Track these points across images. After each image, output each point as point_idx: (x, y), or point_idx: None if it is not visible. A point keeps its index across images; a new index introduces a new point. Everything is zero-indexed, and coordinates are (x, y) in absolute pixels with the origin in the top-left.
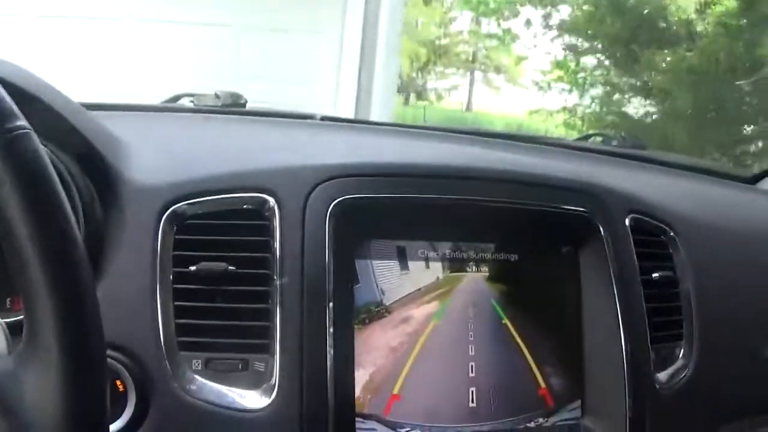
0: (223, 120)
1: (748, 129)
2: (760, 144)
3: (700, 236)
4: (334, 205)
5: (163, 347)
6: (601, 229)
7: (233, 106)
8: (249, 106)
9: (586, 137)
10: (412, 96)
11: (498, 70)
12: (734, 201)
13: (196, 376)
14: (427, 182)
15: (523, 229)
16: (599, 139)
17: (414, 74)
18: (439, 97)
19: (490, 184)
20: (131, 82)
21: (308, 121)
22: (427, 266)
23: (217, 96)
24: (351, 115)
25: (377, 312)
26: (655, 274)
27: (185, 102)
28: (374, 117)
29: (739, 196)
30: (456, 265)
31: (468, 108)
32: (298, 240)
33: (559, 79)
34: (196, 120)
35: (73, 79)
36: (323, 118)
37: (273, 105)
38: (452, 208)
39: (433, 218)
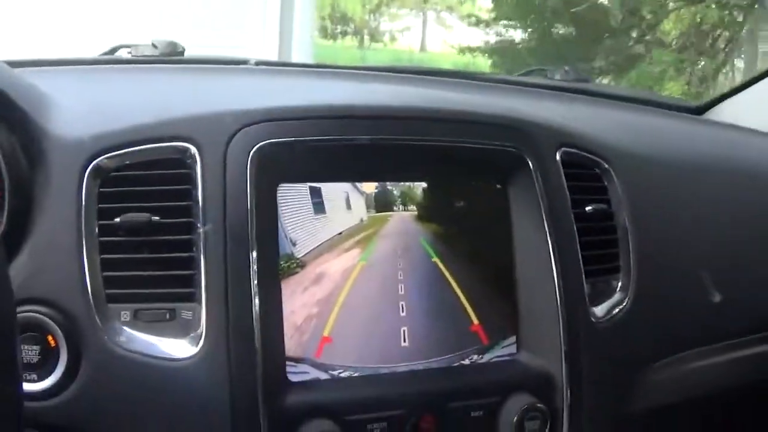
0: (157, 70)
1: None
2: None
3: (637, 168)
4: (254, 151)
5: (92, 300)
6: (530, 164)
7: (171, 55)
8: (187, 54)
9: (529, 72)
10: (366, 39)
11: (451, 9)
12: (678, 132)
13: (125, 328)
14: (349, 123)
15: (450, 166)
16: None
17: (367, 17)
18: (393, 39)
19: (414, 123)
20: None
21: (243, 66)
22: (354, 207)
23: (154, 45)
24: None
25: (304, 255)
26: (588, 207)
27: (123, 53)
28: (294, 58)
29: (683, 126)
30: (383, 205)
31: (422, 48)
32: (220, 187)
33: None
34: (130, 71)
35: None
36: (258, 63)
37: (209, 51)
38: (376, 149)
39: (357, 159)
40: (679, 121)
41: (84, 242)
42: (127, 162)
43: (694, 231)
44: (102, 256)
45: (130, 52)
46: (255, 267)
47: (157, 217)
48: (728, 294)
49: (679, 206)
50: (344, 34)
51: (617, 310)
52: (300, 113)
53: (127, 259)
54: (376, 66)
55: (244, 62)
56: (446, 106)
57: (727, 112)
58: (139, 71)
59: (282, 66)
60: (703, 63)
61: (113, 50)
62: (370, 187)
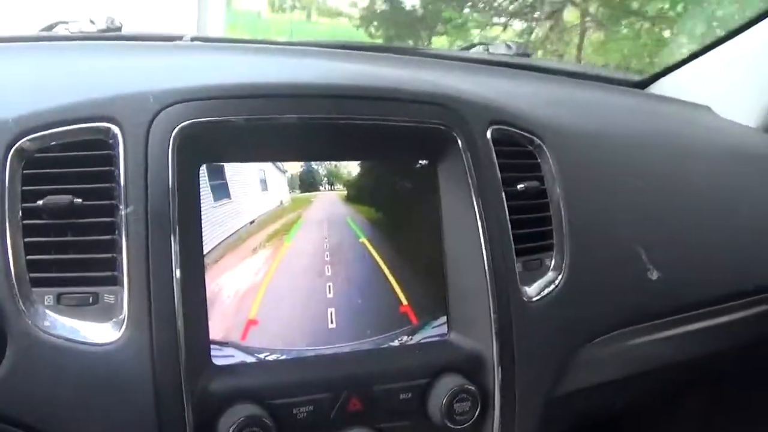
0: (91, 47)
1: None
2: None
3: (572, 144)
4: (176, 131)
5: (15, 284)
6: (459, 142)
7: (108, 31)
8: (124, 30)
9: (470, 47)
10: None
11: None
12: (618, 106)
13: (49, 312)
14: (274, 102)
15: (378, 145)
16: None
17: None
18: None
19: (340, 101)
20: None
21: (178, 42)
22: (278, 188)
23: (92, 21)
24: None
25: (228, 237)
26: (520, 185)
27: (61, 30)
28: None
29: (625, 101)
30: (309, 185)
31: (308, 18)
32: (142, 169)
33: None
34: (63, 49)
35: None
36: (194, 39)
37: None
38: (301, 128)
39: (282, 139)
40: (620, 95)
41: (7, 225)
42: (51, 143)
43: (631, 207)
44: (26, 239)
45: (67, 29)
46: (176, 249)
47: (80, 200)
48: (666, 271)
49: (617, 182)
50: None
51: (550, 288)
52: (222, 92)
53: (50, 243)
54: (316, 41)
55: (179, 38)
56: (373, 83)
57: (670, 85)
58: (71, 49)
59: (217, 42)
60: None
61: (50, 27)
62: (295, 167)
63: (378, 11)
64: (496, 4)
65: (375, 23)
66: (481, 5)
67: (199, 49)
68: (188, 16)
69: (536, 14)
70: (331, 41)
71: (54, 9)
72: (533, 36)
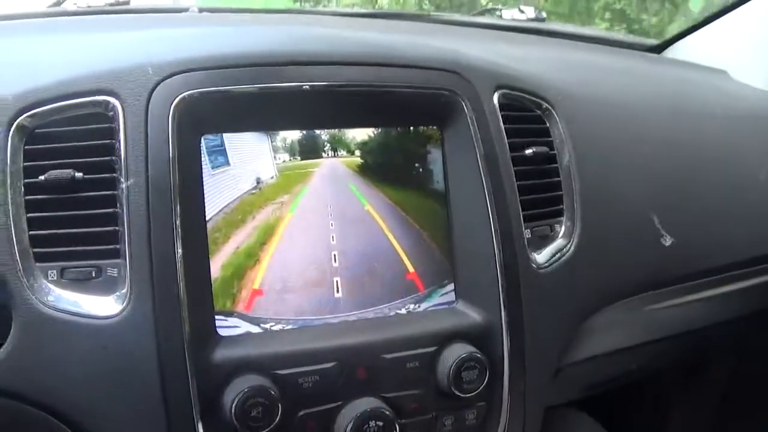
0: (97, 22)
1: None
2: None
3: (583, 109)
4: (176, 102)
5: (19, 260)
6: (465, 107)
7: (116, 5)
8: (132, 4)
9: (482, 12)
10: None
11: None
12: (632, 71)
13: (53, 287)
14: (274, 70)
15: (381, 111)
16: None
17: None
18: None
19: (341, 68)
20: None
21: (184, 14)
22: (281, 156)
23: None
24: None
25: (230, 207)
26: (528, 150)
27: (68, 5)
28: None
29: (640, 65)
30: (312, 152)
31: None
32: (142, 141)
33: None
34: (69, 24)
35: None
36: (201, 10)
37: None
38: (302, 95)
39: (283, 107)
40: (634, 59)
41: (10, 201)
42: (51, 119)
43: (644, 172)
44: (28, 214)
45: (75, 4)
46: (178, 221)
47: (81, 174)
48: (680, 237)
49: (629, 147)
50: None
51: (560, 255)
52: (222, 62)
53: (53, 217)
54: (325, 9)
55: (186, 9)
56: (376, 49)
57: (685, 49)
58: (76, 24)
59: (225, 12)
60: None
61: (59, 2)
62: (298, 135)
63: None
64: None
65: None
66: None
67: (205, 20)
68: None
69: None
70: (340, 9)
71: None
72: None
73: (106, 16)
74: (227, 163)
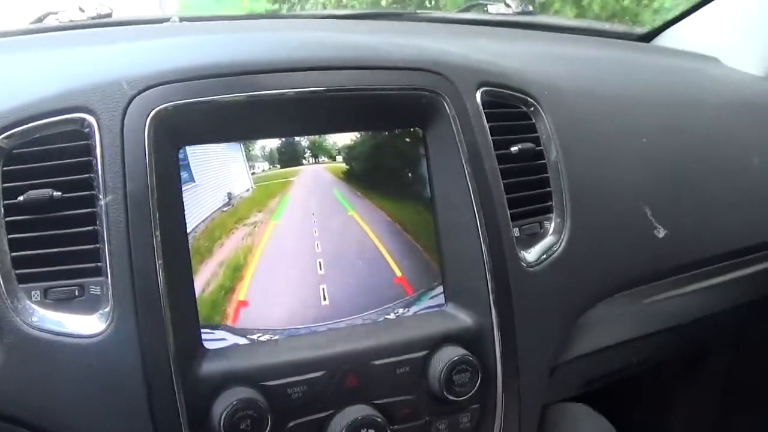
0: (78, 36)
1: None
2: None
3: (570, 103)
4: (152, 115)
5: (2, 282)
6: (447, 107)
7: (98, 18)
8: (114, 16)
9: (469, 8)
10: None
11: None
12: (621, 61)
13: (37, 307)
14: (250, 78)
15: (362, 114)
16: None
17: None
18: None
19: (320, 73)
20: None
21: (165, 24)
22: (261, 164)
23: (81, 9)
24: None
25: (211, 218)
26: (514, 148)
27: (50, 20)
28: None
29: (629, 55)
30: (292, 159)
31: None
32: (119, 156)
33: None
34: (50, 40)
35: None
36: (182, 19)
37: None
38: (280, 102)
39: (262, 116)
40: (623, 49)
41: None
42: (27, 139)
43: (635, 165)
44: (9, 236)
45: (57, 19)
46: (158, 235)
47: (59, 193)
48: (674, 229)
49: (619, 140)
50: None
51: (551, 252)
52: (196, 73)
53: (33, 238)
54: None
55: (167, 19)
56: (355, 52)
57: (675, 37)
58: (56, 40)
59: (206, 20)
60: None
61: (40, 18)
62: (277, 142)
63: None
64: None
65: None
66: None
67: (185, 30)
68: None
69: None
70: (322, 12)
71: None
72: None
73: (89, 30)
74: (208, 176)
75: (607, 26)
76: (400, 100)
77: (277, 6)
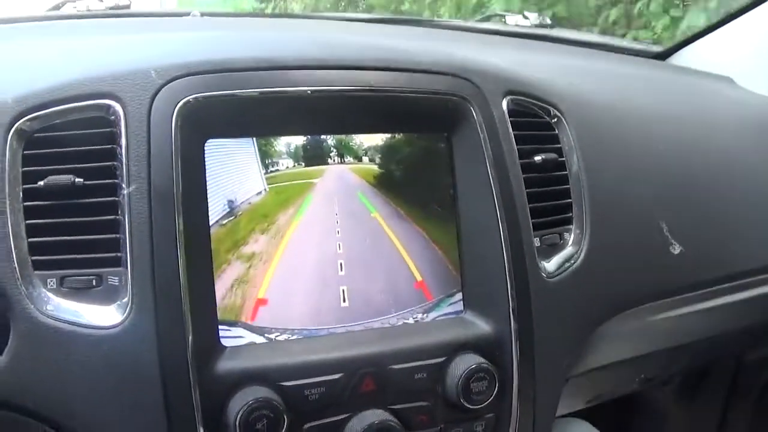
0: (96, 25)
1: None
2: None
3: (591, 116)
4: (179, 106)
5: (17, 268)
6: (474, 113)
7: (116, 9)
8: (132, 8)
9: (487, 18)
10: None
11: None
12: (638, 77)
13: (52, 296)
14: (280, 74)
15: (389, 116)
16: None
17: None
18: None
19: (348, 72)
20: None
21: (186, 18)
22: (286, 162)
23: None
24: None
25: (235, 214)
26: (537, 157)
27: (68, 8)
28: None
29: (644, 72)
30: (318, 158)
31: None
32: (144, 146)
33: None
34: (69, 28)
35: None
36: (203, 14)
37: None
38: (308, 100)
39: (290, 112)
40: (640, 66)
41: (8, 207)
42: (51, 123)
43: (653, 180)
44: (27, 221)
45: (75, 7)
46: (181, 228)
47: (81, 180)
48: (689, 246)
49: (637, 154)
50: None
51: (570, 263)
52: (226, 65)
53: (52, 224)
54: (330, 15)
55: (187, 14)
56: (384, 54)
57: (690, 56)
58: (76, 28)
59: (226, 16)
60: None
61: (58, 6)
62: (303, 140)
63: None
64: None
65: None
66: None
67: (207, 24)
68: None
69: None
70: (342, 14)
71: None
72: None
73: (106, 19)
74: (234, 170)
75: (624, 43)
76: (427, 104)
77: (264, 5)
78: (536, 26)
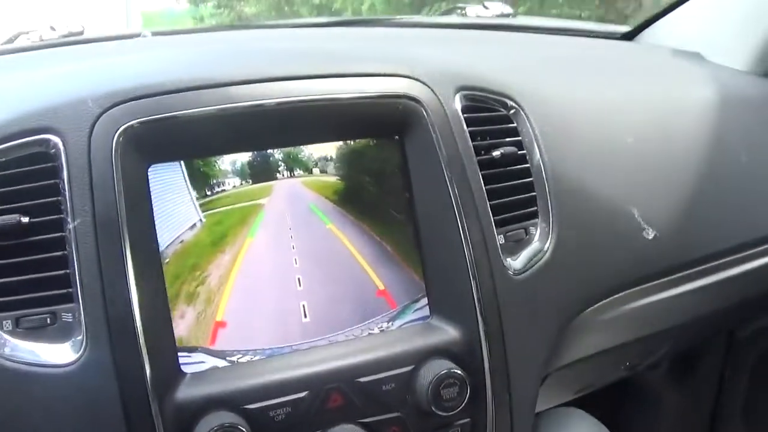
0: (48, 55)
1: None
2: None
3: (552, 105)
4: (119, 133)
5: None
6: (425, 113)
7: (70, 36)
8: (86, 34)
9: (448, 11)
10: None
11: None
12: (604, 60)
13: (8, 337)
14: (220, 92)
15: (337, 125)
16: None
17: None
18: None
19: (290, 83)
20: None
21: (136, 39)
22: (234, 180)
23: (52, 28)
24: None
25: (184, 238)
26: (495, 152)
27: (22, 40)
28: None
29: (611, 54)
30: (266, 174)
31: None
32: (86, 177)
33: None
34: (18, 61)
35: None
36: (154, 34)
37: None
38: (252, 115)
39: (233, 129)
40: (606, 49)
41: None
42: None
43: (621, 166)
44: None
45: (29, 38)
46: (129, 257)
47: (27, 218)
48: (663, 229)
49: (604, 141)
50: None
51: (537, 258)
52: (163, 88)
53: (3, 265)
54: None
55: (137, 35)
56: (325, 61)
57: (657, 34)
58: (28, 60)
59: (178, 34)
60: None
61: (11, 39)
62: (248, 156)
63: None
64: None
65: None
66: None
67: (156, 44)
68: None
69: None
70: (298, 21)
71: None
72: None
73: (60, 48)
74: (181, 193)
75: (589, 26)
76: (376, 108)
77: (220, 10)
78: (497, 16)
